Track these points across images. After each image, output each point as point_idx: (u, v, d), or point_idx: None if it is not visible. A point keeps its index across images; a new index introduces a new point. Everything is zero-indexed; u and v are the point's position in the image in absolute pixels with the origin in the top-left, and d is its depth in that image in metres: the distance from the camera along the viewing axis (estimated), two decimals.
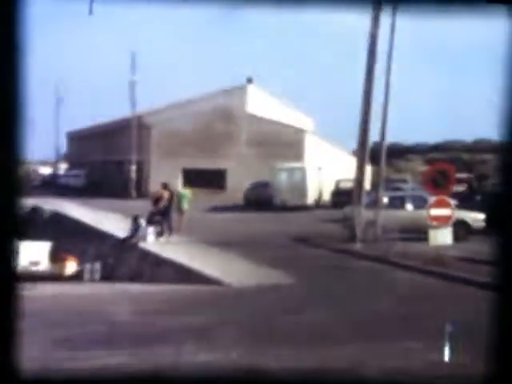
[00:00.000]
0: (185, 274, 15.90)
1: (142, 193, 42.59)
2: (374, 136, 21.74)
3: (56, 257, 16.79)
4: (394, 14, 20.00)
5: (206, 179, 45.05)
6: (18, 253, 2.93)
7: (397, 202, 22.01)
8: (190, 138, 46.39)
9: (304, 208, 34.16)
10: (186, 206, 24.21)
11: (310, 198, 35.70)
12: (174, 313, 11.47)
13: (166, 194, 22.00)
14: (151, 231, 20.92)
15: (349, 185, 28.05)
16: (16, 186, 2.82)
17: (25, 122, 2.77)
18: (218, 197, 41.91)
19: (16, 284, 2.81)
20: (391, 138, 23.12)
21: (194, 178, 44.77)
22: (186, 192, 25.22)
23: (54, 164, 71.64)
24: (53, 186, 56.67)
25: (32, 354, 8.57)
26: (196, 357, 8.17)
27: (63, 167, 70.95)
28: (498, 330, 3.02)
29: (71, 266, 18.80)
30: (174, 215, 22.77)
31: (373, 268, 16.30)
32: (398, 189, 30.72)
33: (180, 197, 24.26)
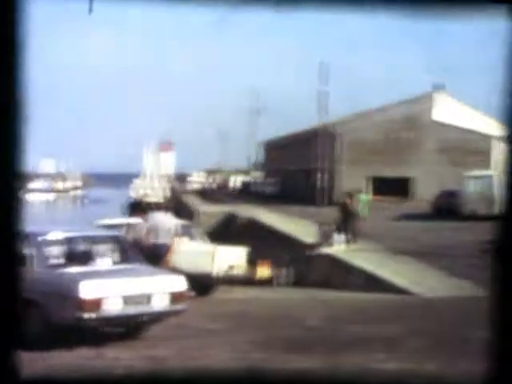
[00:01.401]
0: (373, 282, 15.72)
1: (330, 200, 42.80)
2: None
3: (251, 262, 17.28)
4: None
5: (392, 187, 44.34)
6: (19, 254, 2.73)
7: None
8: (376, 147, 45.92)
9: (494, 218, 32.41)
10: (363, 211, 23.83)
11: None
12: (364, 321, 11.36)
13: (350, 202, 21.96)
14: (339, 238, 20.93)
15: None
16: (14, 198, 2.64)
17: (25, 124, 2.63)
18: (404, 205, 41.07)
19: (17, 283, 2.69)
20: None
21: (380, 186, 44.24)
22: (364, 197, 24.81)
23: (249, 172, 74.03)
24: (248, 194, 58.56)
25: (228, 354, 8.90)
26: (385, 365, 8.03)
27: (257, 175, 73.14)
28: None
29: (265, 271, 19.27)
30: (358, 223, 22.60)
31: None
32: None
33: (359, 202, 23.99)
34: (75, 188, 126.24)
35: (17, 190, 2.64)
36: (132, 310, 9.40)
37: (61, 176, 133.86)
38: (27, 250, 9.98)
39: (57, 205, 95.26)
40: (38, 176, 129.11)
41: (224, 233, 28.18)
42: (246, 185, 70.72)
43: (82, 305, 8.92)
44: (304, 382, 6.38)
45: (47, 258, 10.06)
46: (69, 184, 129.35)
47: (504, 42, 2.68)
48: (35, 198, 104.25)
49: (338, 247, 20.46)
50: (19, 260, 2.69)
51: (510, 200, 2.78)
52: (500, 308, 2.77)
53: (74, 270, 9.74)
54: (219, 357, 8.68)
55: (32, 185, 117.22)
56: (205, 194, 59.41)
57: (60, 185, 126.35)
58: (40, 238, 10.03)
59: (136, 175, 74.10)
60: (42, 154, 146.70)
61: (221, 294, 15.24)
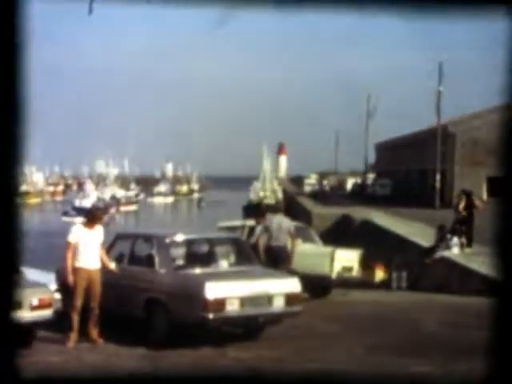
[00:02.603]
0: (492, 287, 15.19)
1: (445, 202, 41.65)
2: None
3: (366, 264, 17.11)
4: None
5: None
6: (16, 250, 2.74)
7: None
8: (493, 147, 44.27)
9: None
10: None
11: None
12: (483, 326, 11.01)
13: (466, 204, 21.11)
14: (455, 241, 20.34)
15: None
16: (14, 200, 2.64)
17: (26, 125, 2.62)
18: None
19: (15, 282, 2.73)
20: None
21: (499, 187, 42.50)
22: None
23: (363, 174, 73.33)
24: (361, 196, 57.98)
25: (343, 356, 8.89)
26: None
27: (371, 177, 72.29)
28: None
29: (379, 274, 19.03)
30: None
31: None
32: None
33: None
34: (193, 191, 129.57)
35: (16, 189, 2.69)
36: (251, 310, 9.57)
37: (181, 179, 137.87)
38: (153, 252, 10.40)
39: (177, 207, 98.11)
40: (160, 180, 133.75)
41: (338, 235, 28.08)
42: (358, 187, 69.99)
43: (207, 305, 9.14)
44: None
45: (172, 259, 10.43)
46: (187, 187, 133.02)
47: (504, 42, 2.70)
48: (158, 200, 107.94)
49: (455, 250, 19.90)
50: (17, 261, 2.72)
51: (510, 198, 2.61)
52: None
53: (198, 271, 10.05)
54: (334, 359, 8.70)
55: (156, 188, 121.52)
56: (318, 195, 59.35)
57: (180, 188, 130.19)
58: (165, 240, 10.42)
59: (252, 178, 75.09)
60: (165, 157, 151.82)
61: (336, 296, 15.20)
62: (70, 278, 9.77)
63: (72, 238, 9.96)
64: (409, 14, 2.79)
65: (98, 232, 10.13)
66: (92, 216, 10.27)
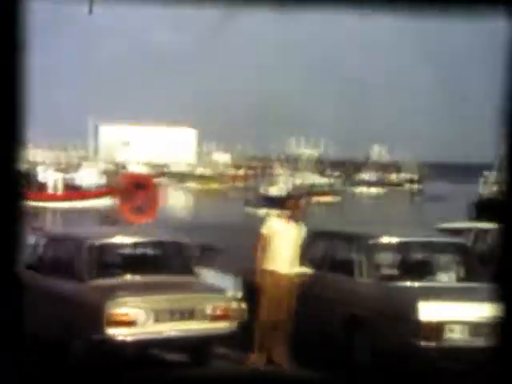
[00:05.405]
0: None
1: None
2: None
3: None
4: None
5: None
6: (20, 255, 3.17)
7: None
8: None
9: None
10: None
11: None
12: None
13: None
14: None
15: None
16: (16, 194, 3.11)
17: (25, 128, 3.08)
18: None
19: (18, 284, 3.15)
20: None
21: None
22: None
23: None
24: None
25: None
26: None
27: None
28: None
29: None
30: None
31: None
32: None
33: None
34: (411, 181, 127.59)
35: (18, 193, 3.15)
36: (480, 341, 9.19)
37: (394, 166, 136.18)
38: (353, 255, 10.33)
39: (387, 201, 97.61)
40: (365, 165, 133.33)
41: None
42: None
43: (419, 329, 8.98)
44: None
45: (378, 266, 10.33)
46: (403, 176, 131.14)
47: (504, 42, 3.20)
48: (361, 191, 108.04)
49: None
50: (19, 258, 3.18)
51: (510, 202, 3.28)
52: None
53: (410, 284, 9.89)
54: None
55: (360, 176, 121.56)
56: None
57: (393, 176, 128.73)
58: (368, 242, 10.32)
59: (485, 166, 72.54)
60: (372, 140, 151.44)
61: None
62: (260, 279, 9.85)
63: (266, 230, 10.02)
64: (407, 14, 3.29)
65: (298, 228, 10.17)
66: (291, 204, 10.26)
